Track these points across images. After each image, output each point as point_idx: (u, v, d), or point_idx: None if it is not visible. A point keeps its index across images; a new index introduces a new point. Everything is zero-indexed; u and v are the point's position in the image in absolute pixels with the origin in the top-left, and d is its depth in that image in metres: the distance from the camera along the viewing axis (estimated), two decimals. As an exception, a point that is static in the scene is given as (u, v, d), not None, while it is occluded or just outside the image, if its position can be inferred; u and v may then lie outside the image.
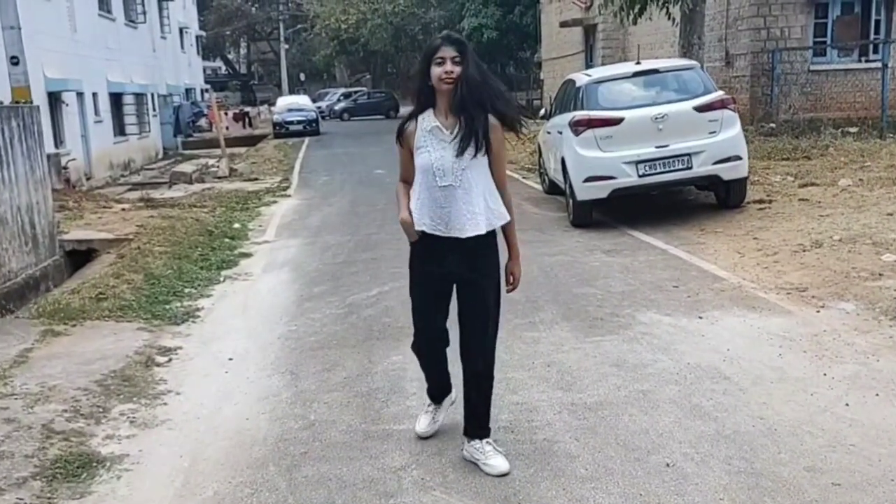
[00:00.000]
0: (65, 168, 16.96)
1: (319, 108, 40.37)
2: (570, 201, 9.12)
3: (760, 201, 9.25)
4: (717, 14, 17.22)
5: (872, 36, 16.16)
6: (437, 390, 3.90)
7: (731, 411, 3.98)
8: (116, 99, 22.82)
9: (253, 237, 9.86)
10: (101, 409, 4.38)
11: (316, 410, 4.31)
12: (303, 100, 35.73)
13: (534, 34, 31.25)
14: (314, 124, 31.95)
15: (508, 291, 3.66)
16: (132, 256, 8.20)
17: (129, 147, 23.79)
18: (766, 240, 7.60)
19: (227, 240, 9.47)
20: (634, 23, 14.29)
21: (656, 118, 8.49)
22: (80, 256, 9.18)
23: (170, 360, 5.26)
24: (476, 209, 3.34)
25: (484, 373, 3.57)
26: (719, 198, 9.30)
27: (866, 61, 16.14)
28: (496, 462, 3.50)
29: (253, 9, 62.13)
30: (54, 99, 17.69)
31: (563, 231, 8.96)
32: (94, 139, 20.29)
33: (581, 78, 9.50)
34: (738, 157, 8.65)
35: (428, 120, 3.38)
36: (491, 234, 3.43)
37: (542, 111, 11.47)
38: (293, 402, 4.44)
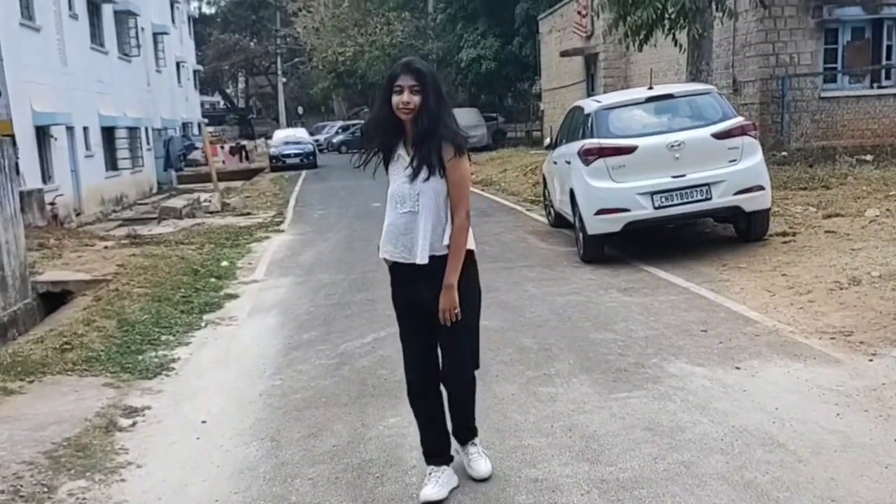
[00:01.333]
0: (52, 204, 16.42)
1: (317, 140, 40.04)
2: (581, 235, 8.51)
3: (783, 234, 8.64)
4: (722, 41, 16.77)
5: (884, 61, 15.69)
6: (434, 445, 3.58)
7: (794, 490, 3.32)
8: (108, 133, 22.36)
9: (241, 276, 9.23)
10: (45, 489, 3.72)
11: (298, 489, 3.65)
12: (300, 133, 35.35)
13: (533, 65, 30.90)
14: (311, 157, 31.52)
15: (441, 323, 3.36)
16: (108, 299, 7.57)
17: (122, 182, 23.30)
18: (797, 276, 6.98)
19: (213, 279, 8.84)
20: (640, 49, 13.79)
21: (672, 146, 7.92)
22: (54, 299, 8.54)
23: (134, 423, 4.60)
24: (433, 234, 3.29)
25: (465, 391, 3.55)
26: (739, 230, 8.70)
27: (878, 87, 15.66)
28: (477, 466, 3.61)
29: (251, 43, 62.24)
30: (43, 133, 17.19)
31: (573, 267, 8.34)
32: (84, 174, 19.79)
33: (590, 104, 8.95)
34: (761, 187, 8.06)
35: (398, 150, 3.38)
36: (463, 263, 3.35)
37: (547, 141, 10.91)
38: (272, 479, 3.78)
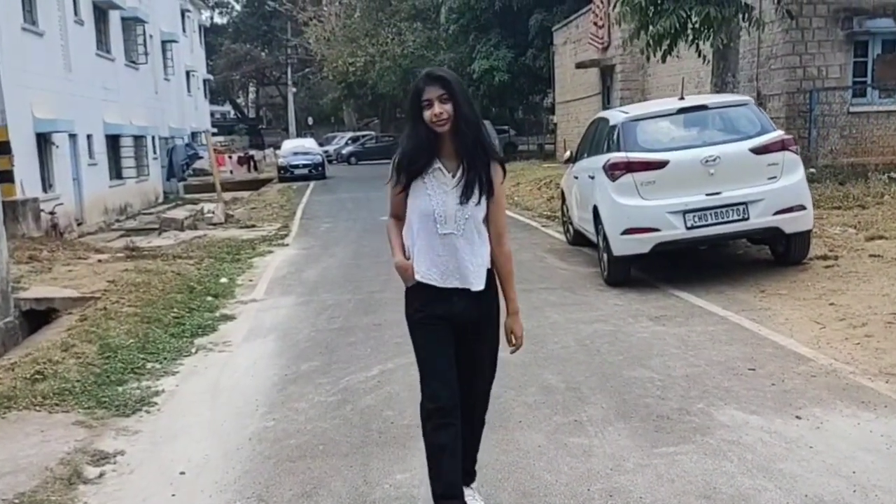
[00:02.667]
0: (52, 213, 15.93)
1: (326, 151, 39.57)
2: (605, 256, 7.88)
3: (824, 257, 8.00)
4: (746, 52, 16.15)
5: (916, 76, 15.03)
6: (453, 483, 3.15)
7: (898, 589, 2.68)
8: (113, 141, 21.90)
9: (240, 294, 8.63)
10: (-16, 562, 3.12)
11: (286, 569, 3.04)
12: (309, 143, 34.83)
13: (547, 77, 30.33)
14: (320, 168, 31.00)
15: (512, 352, 3.30)
16: (94, 320, 6.98)
17: (127, 191, 22.82)
18: (847, 306, 6.33)
19: (209, 298, 8.24)
20: (664, 60, 13.17)
21: (707, 161, 7.30)
22: (39, 317, 7.96)
23: (102, 474, 3.98)
24: (479, 260, 3.10)
25: (478, 420, 3.36)
26: (776, 253, 8.06)
27: (910, 103, 15.01)
28: None
29: (263, 54, 62.02)
30: (44, 140, 16.70)
31: (597, 291, 7.71)
32: (87, 182, 19.30)
33: (616, 115, 8.33)
34: (802, 207, 7.43)
35: (434, 164, 3.10)
36: (491, 282, 3.18)
37: (567, 154, 10.30)
38: (255, 553, 3.17)
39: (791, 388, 4.66)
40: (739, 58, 14.89)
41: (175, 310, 7.55)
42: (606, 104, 23.25)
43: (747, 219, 7.32)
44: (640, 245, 7.47)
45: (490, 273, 3.16)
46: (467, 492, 3.31)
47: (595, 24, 23.63)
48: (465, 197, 3.03)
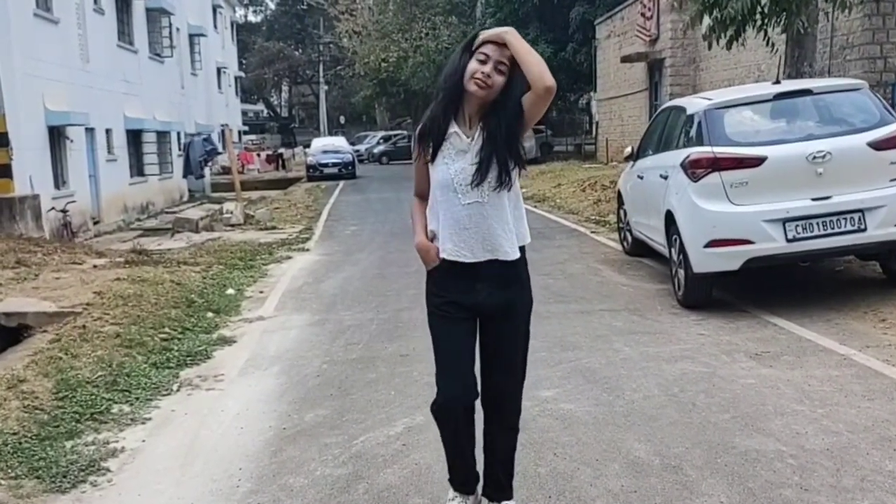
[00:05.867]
0: (63, 211, 14.95)
1: (358, 151, 38.57)
2: (682, 273, 6.50)
3: (950, 277, 6.55)
4: (817, 42, 14.62)
5: None
6: (462, 474, 3.02)
7: None
8: (135, 136, 20.94)
9: (246, 310, 7.40)
10: None
11: None
12: (339, 141, 33.76)
13: (588, 73, 28.88)
14: (350, 167, 29.94)
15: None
16: (66, 342, 5.80)
17: (149, 189, 21.87)
18: None
19: (209, 314, 7.02)
20: (729, 47, 11.72)
21: (814, 158, 5.90)
22: (9, 335, 6.80)
23: None
24: (510, 227, 2.82)
25: (508, 425, 3.00)
26: (890, 271, 6.63)
27: None
28: None
29: (296, 52, 61.26)
30: (57, 134, 15.71)
31: (671, 315, 6.34)
32: (105, 179, 18.34)
33: (696, 102, 6.93)
34: (933, 216, 6.00)
35: (451, 127, 2.80)
36: (521, 258, 2.88)
37: (628, 150, 8.93)
38: None
39: None
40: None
41: (166, 329, 6.34)
42: (654, 100, 21.78)
43: (864, 230, 5.90)
44: (728, 260, 6.08)
45: (521, 250, 2.86)
46: None
47: (643, 14, 22.16)
48: (480, 175, 2.74)
